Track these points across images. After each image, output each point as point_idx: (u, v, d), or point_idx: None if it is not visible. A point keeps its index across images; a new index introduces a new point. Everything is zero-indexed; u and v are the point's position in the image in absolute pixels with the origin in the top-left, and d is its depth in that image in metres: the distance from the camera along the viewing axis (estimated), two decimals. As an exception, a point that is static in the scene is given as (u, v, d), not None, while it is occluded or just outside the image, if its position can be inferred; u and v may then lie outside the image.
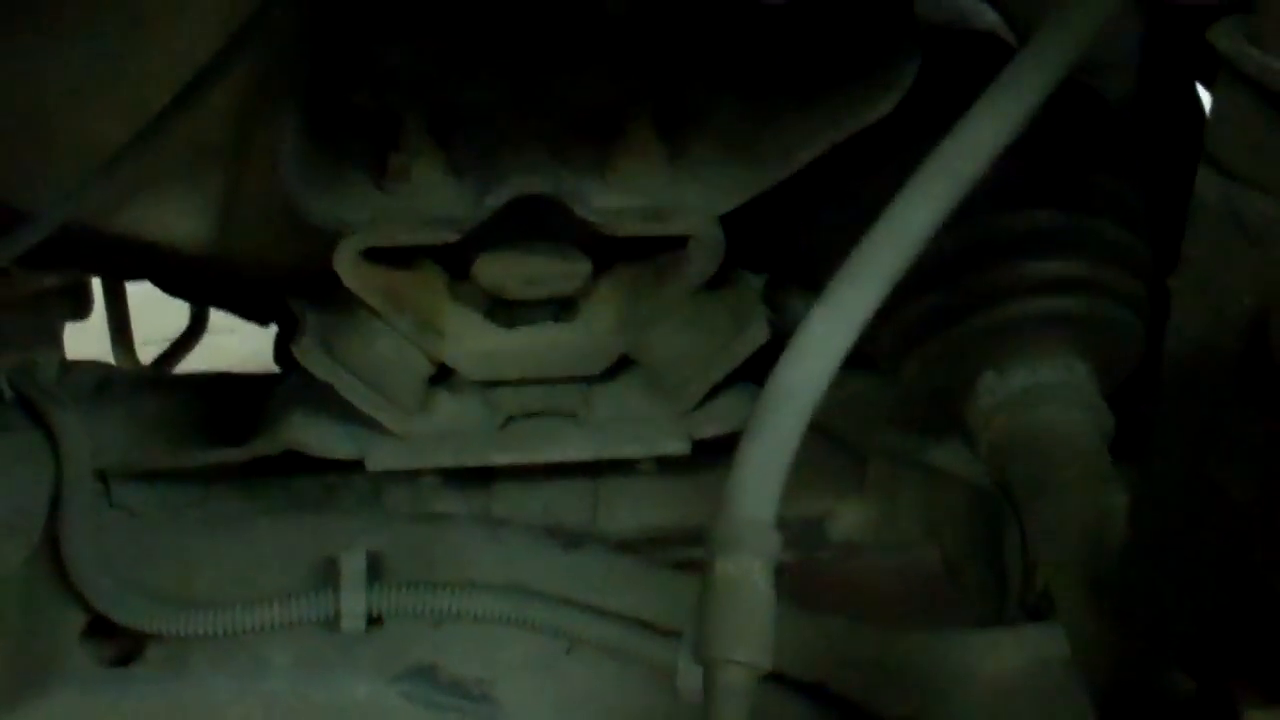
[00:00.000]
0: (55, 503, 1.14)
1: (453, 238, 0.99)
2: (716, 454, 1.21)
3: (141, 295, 1.64)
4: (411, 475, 1.17)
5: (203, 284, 1.33)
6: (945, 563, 1.25)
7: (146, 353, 1.66)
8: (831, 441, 1.21)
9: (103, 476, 1.18)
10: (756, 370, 1.08)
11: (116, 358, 1.62)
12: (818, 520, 1.25)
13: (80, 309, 1.60)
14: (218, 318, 1.68)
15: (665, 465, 1.17)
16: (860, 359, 1.02)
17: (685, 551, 1.21)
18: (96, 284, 1.60)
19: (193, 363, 1.66)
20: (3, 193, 1.07)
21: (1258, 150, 0.59)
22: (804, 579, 1.21)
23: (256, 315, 1.40)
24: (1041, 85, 0.67)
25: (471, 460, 1.10)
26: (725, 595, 0.65)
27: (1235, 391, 0.61)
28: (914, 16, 0.98)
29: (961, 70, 0.88)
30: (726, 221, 1.03)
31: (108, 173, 1.02)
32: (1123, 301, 1.00)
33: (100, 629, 1.11)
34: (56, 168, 1.06)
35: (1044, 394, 0.97)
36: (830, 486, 1.25)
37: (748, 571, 0.65)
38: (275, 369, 1.31)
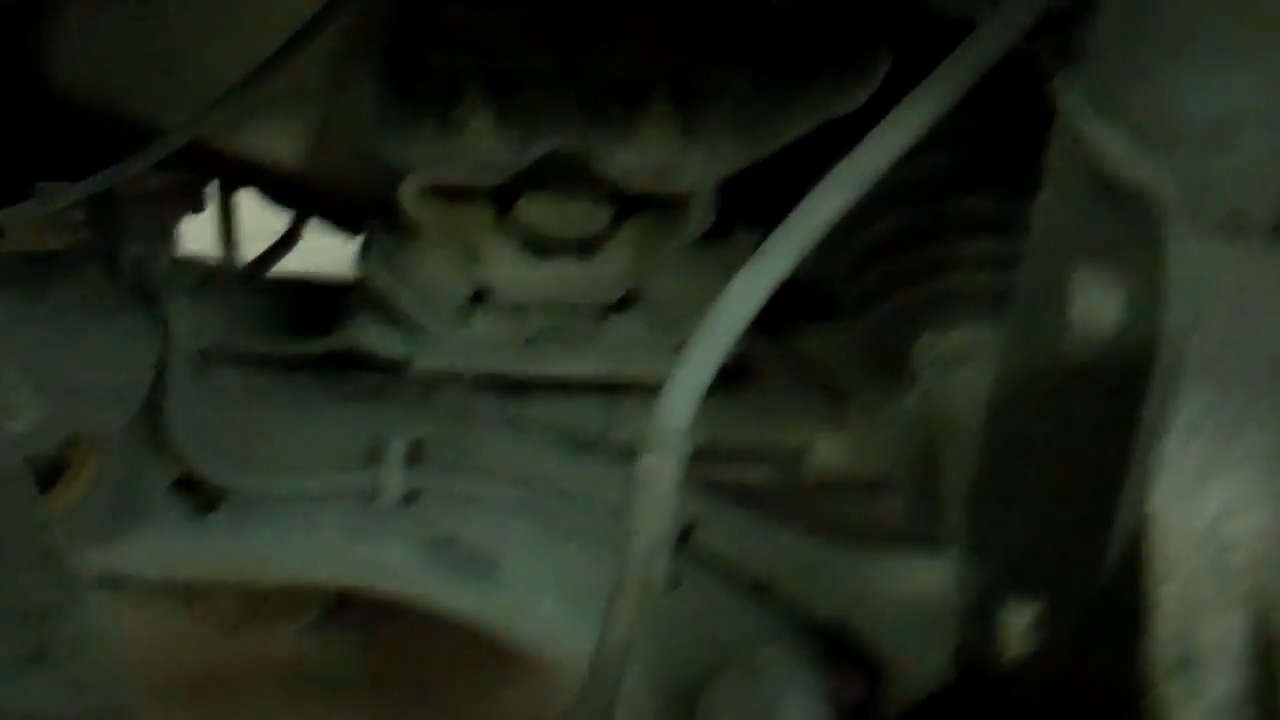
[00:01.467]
0: (159, 375, 1.34)
1: (498, 180, 1.19)
2: (723, 382, 1.40)
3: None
4: (455, 380, 1.37)
5: (299, 196, 1.52)
6: (907, 494, 1.42)
7: (251, 248, 1.86)
8: (817, 380, 1.38)
9: (201, 356, 1.38)
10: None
11: (222, 252, 1.82)
12: (798, 450, 1.39)
13: (197, 205, 1.81)
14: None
15: None
16: (837, 311, 1.21)
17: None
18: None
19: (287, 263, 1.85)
20: (141, 112, 1.26)
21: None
22: (785, 502, 1.40)
23: (344, 225, 1.60)
24: (948, 95, 0.84)
25: (500, 367, 1.28)
26: (643, 482, 0.84)
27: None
28: (895, 17, 1.15)
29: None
30: (732, 184, 1.21)
31: (226, 101, 1.20)
32: None
33: (185, 484, 1.32)
34: (184, 94, 1.23)
35: (969, 353, 1.15)
36: (811, 420, 1.39)
37: (663, 465, 0.84)
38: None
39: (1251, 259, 0.73)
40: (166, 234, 1.80)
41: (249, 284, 1.55)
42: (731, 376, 1.38)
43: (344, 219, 1.58)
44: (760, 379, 1.39)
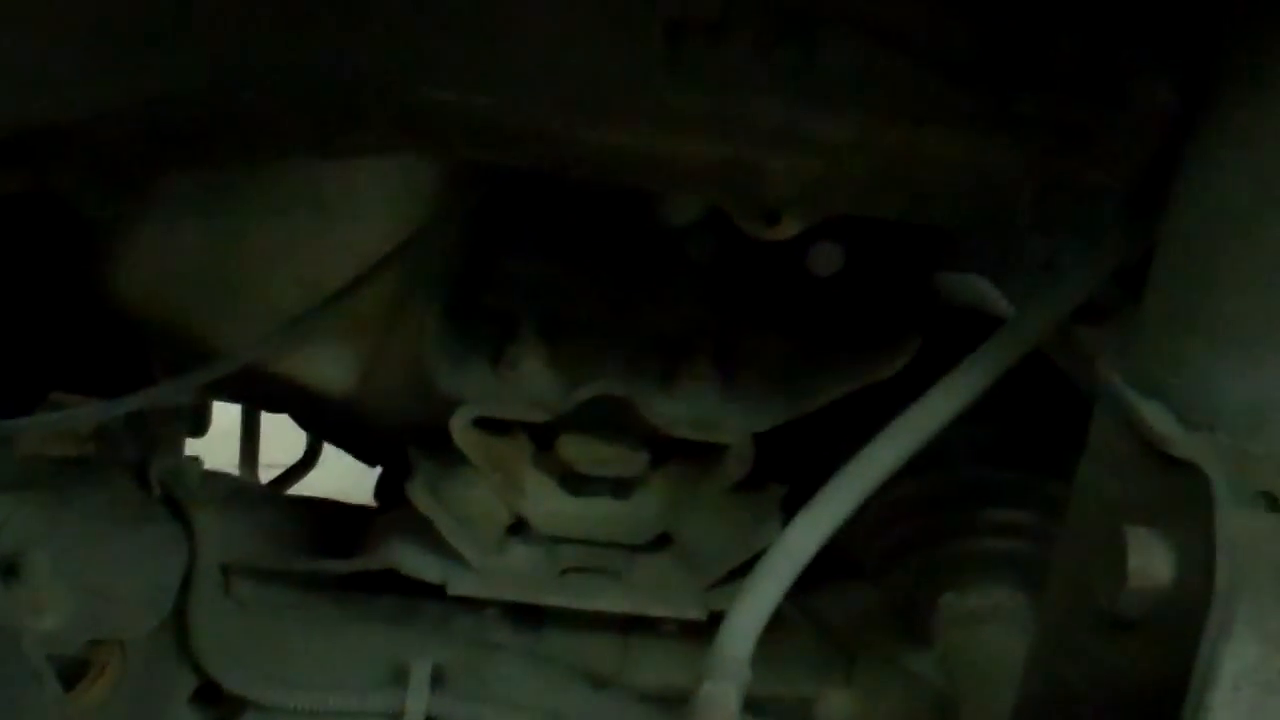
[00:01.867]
0: (185, 584, 1.36)
1: (544, 418, 1.25)
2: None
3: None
4: (477, 608, 1.38)
5: (332, 423, 1.57)
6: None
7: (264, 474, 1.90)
8: (828, 637, 1.41)
9: (224, 570, 1.40)
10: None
11: (242, 473, 1.85)
12: (808, 701, 1.40)
13: (199, 428, 1.84)
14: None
15: (687, 632, 1.37)
16: (855, 570, 1.26)
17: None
18: (233, 413, 1.83)
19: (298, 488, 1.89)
20: (200, 331, 1.30)
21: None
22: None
23: (366, 456, 1.64)
24: (989, 373, 0.92)
25: (530, 598, 1.32)
26: (705, 709, 0.88)
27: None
28: (928, 299, 1.24)
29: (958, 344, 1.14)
30: (761, 438, 1.27)
31: (289, 329, 1.26)
32: None
33: (206, 695, 1.32)
34: (244, 317, 1.28)
35: (989, 615, 1.19)
36: (821, 674, 1.40)
37: (724, 693, 0.88)
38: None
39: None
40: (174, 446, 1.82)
41: (273, 501, 1.58)
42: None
43: (365, 448, 1.63)
44: (772, 632, 1.42)
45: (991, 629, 1.19)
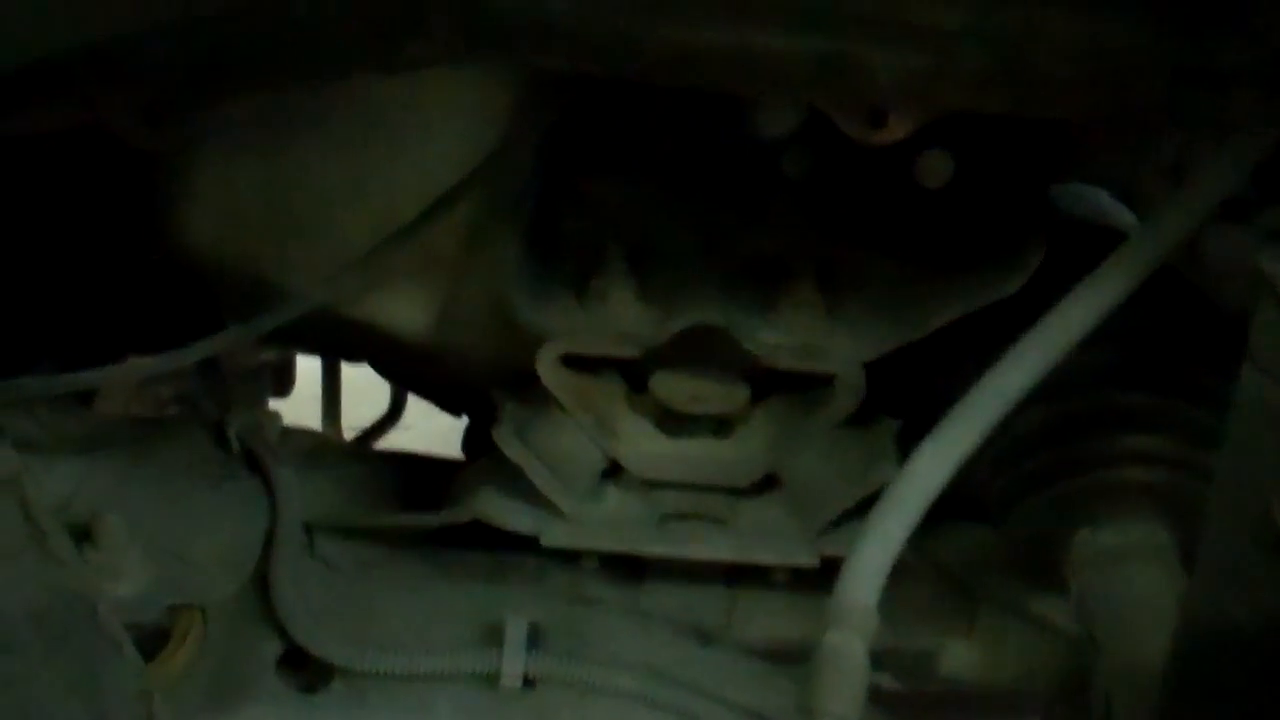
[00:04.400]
0: (267, 545, 1.30)
1: (636, 354, 1.15)
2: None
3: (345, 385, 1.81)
4: (573, 562, 1.31)
5: (413, 370, 1.49)
6: (1044, 707, 1.35)
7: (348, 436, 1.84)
8: (947, 584, 1.32)
9: (308, 529, 1.34)
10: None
11: (325, 429, 1.79)
12: (929, 654, 1.33)
13: (284, 387, 1.79)
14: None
15: (797, 582, 1.29)
16: (975, 512, 1.16)
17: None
18: (315, 367, 1.78)
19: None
20: (271, 274, 1.25)
21: None
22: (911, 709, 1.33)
23: (451, 406, 1.57)
24: (1124, 284, 0.82)
25: (630, 547, 1.23)
26: (829, 660, 0.80)
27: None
28: (1046, 211, 1.13)
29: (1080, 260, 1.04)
30: (870, 369, 1.17)
31: (360, 267, 1.19)
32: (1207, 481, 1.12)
33: (292, 660, 1.25)
34: (312, 257, 1.22)
35: (1130, 553, 1.09)
36: (942, 624, 1.33)
37: (850, 643, 0.80)
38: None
39: None
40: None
41: (357, 458, 1.51)
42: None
43: (449, 397, 1.55)
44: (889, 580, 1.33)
45: (1133, 567, 1.08)
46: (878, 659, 1.34)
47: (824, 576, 1.31)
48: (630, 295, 1.17)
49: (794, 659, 1.29)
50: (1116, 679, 1.03)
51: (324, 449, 1.48)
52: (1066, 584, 1.12)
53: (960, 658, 1.34)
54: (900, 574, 1.32)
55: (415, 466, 1.48)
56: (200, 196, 1.23)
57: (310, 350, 1.62)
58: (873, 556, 0.83)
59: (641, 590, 1.33)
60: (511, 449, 1.20)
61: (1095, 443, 1.12)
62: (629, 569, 1.33)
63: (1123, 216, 1.30)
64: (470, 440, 1.55)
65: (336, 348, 1.57)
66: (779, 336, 1.16)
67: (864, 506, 1.19)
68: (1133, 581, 1.08)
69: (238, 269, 1.26)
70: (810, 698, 0.80)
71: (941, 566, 1.29)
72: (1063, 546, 1.12)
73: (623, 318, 1.17)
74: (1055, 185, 1.31)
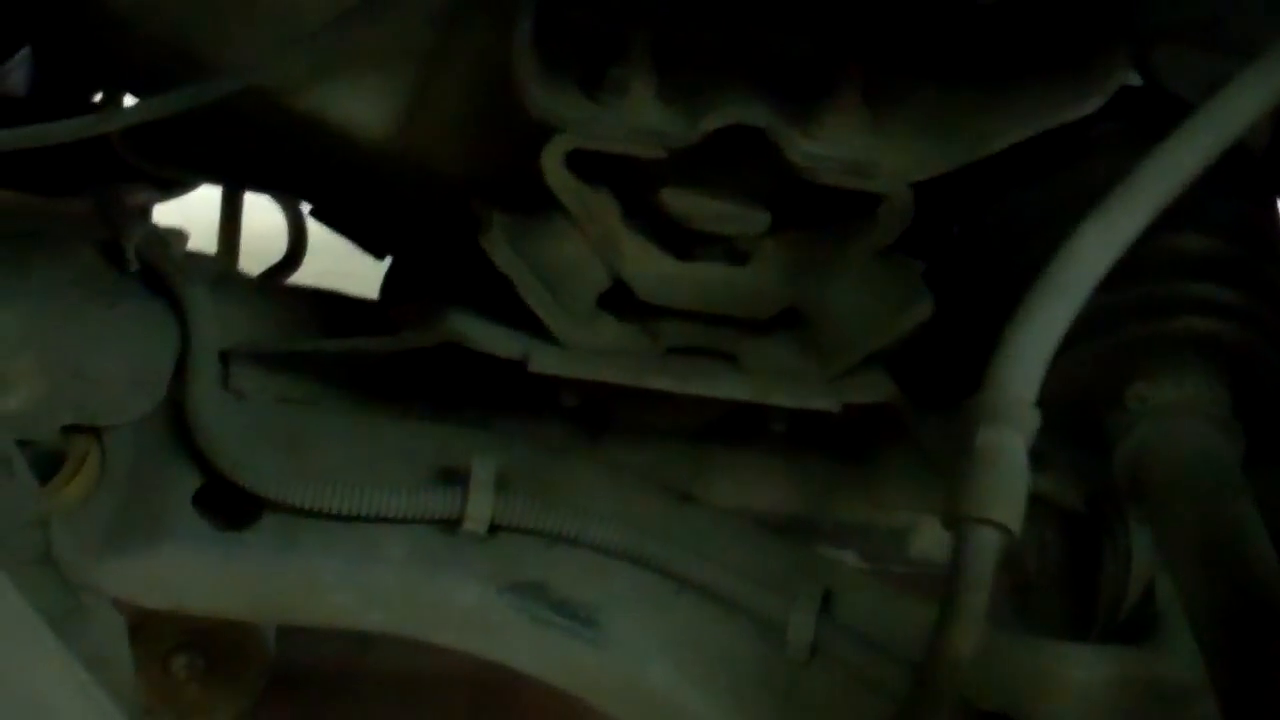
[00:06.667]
0: (180, 370, 1.14)
1: (660, 153, 1.00)
2: (824, 448, 1.24)
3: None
4: (528, 414, 1.18)
5: (352, 185, 1.31)
6: (1013, 587, 1.26)
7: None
8: (925, 459, 1.22)
9: (223, 357, 1.17)
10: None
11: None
12: (902, 531, 1.25)
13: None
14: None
15: (771, 448, 1.19)
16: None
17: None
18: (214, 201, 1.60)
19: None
20: (203, 50, 1.07)
21: None
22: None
23: (377, 243, 1.39)
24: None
25: (629, 379, 1.08)
26: (986, 460, 0.68)
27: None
28: (1128, 21, 1.02)
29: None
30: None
31: (311, 44, 1.02)
32: (1273, 339, 1.03)
33: (209, 497, 1.11)
34: (256, 33, 1.05)
35: (1188, 408, 0.99)
36: (918, 500, 1.24)
37: (1010, 441, 0.69)
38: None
39: None
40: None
41: (264, 291, 1.34)
42: (837, 445, 1.23)
43: (380, 229, 1.38)
44: (873, 452, 1.23)
45: (1191, 423, 0.99)
46: (844, 533, 1.27)
47: (807, 447, 1.21)
48: (653, 89, 1.02)
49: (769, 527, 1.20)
50: (1178, 549, 0.93)
51: (231, 277, 1.31)
52: (1110, 442, 1.02)
53: (932, 537, 1.25)
54: (877, 443, 1.25)
55: (333, 304, 1.30)
56: None
57: (212, 169, 1.42)
58: (1032, 343, 0.72)
59: (599, 445, 1.20)
60: (502, 257, 1.03)
61: (1155, 287, 1.01)
62: (588, 422, 1.19)
63: None
64: (393, 283, 1.37)
65: (254, 160, 1.38)
66: (823, 148, 1.02)
67: (886, 353, 1.09)
68: (1192, 439, 0.98)
69: (162, 41, 1.08)
70: (963, 503, 0.68)
71: (926, 437, 1.18)
72: (1113, 401, 1.02)
73: (645, 113, 1.02)
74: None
